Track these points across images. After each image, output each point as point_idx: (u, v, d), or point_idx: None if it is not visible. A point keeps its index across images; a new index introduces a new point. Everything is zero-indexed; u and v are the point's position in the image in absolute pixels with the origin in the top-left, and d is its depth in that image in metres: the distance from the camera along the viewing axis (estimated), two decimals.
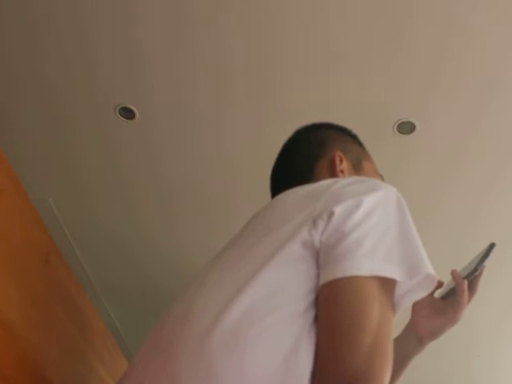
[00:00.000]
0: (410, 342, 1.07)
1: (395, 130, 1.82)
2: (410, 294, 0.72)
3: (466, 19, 1.50)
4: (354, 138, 1.09)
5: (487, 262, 1.01)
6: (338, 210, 0.69)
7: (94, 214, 2.32)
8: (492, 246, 1.01)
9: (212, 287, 0.72)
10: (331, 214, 0.69)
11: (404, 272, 0.66)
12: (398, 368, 1.07)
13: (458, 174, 1.95)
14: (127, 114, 1.87)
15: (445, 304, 1.02)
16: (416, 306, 1.07)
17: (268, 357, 0.61)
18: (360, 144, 1.09)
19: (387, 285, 0.66)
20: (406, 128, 1.82)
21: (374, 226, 0.69)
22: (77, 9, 1.57)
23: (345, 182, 0.77)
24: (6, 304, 0.78)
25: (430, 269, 0.68)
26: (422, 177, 1.98)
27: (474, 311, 2.42)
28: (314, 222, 0.70)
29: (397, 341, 1.10)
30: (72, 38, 1.65)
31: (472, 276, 1.01)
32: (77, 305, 1.15)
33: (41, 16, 1.60)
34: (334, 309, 0.63)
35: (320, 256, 0.68)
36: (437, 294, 1.06)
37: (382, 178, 1.07)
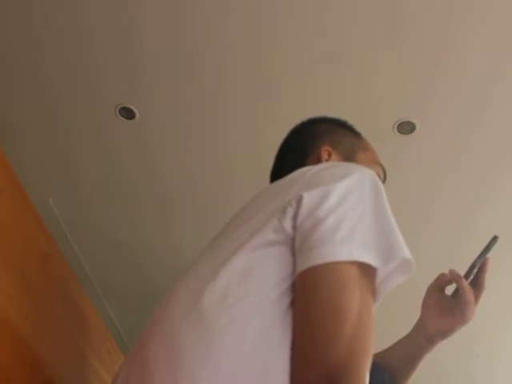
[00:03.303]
0: (420, 341, 1.04)
1: (395, 130, 1.82)
2: (389, 279, 0.70)
3: (466, 19, 1.50)
4: (349, 129, 1.07)
5: (491, 255, 0.98)
6: (308, 195, 0.68)
7: (93, 213, 2.32)
8: (495, 238, 0.99)
9: (188, 279, 0.72)
10: (300, 199, 0.68)
11: (381, 257, 0.65)
12: (410, 366, 1.06)
13: (457, 173, 1.95)
14: (127, 114, 1.87)
15: (453, 303, 1.00)
16: (426, 304, 1.05)
17: (237, 346, 0.60)
18: (356, 134, 1.07)
19: (367, 271, 0.64)
20: (406, 128, 1.82)
21: (350, 210, 0.67)
22: (77, 9, 1.57)
23: (319, 168, 0.77)
24: (5, 304, 0.78)
25: (406, 252, 0.67)
26: (421, 177, 1.98)
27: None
28: (284, 210, 0.69)
29: (407, 338, 1.08)
30: (72, 39, 1.65)
31: (472, 271, 0.98)
32: (77, 305, 1.15)
33: (41, 16, 1.60)
34: (313, 296, 0.62)
35: (296, 243, 0.67)
36: (448, 291, 1.04)
37: (382, 167, 1.05)
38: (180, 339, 0.63)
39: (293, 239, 0.68)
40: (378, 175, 0.99)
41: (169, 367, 0.61)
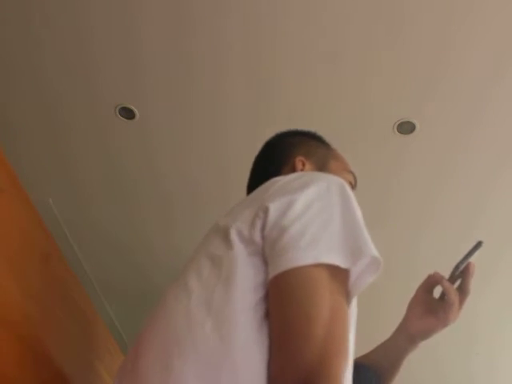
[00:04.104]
0: (403, 341, 1.06)
1: (395, 130, 1.82)
2: (361, 279, 0.70)
3: (466, 19, 1.50)
4: (320, 140, 1.11)
5: (475, 259, 0.98)
6: (274, 206, 0.70)
7: (93, 213, 2.32)
8: (479, 244, 0.98)
9: (176, 288, 0.74)
10: (266, 210, 0.70)
11: (348, 258, 0.66)
12: (392, 367, 1.08)
13: (457, 173, 1.95)
14: (127, 113, 1.87)
15: (438, 304, 1.01)
16: (412, 304, 1.07)
17: (221, 352, 0.62)
18: (327, 145, 1.12)
19: (336, 273, 0.65)
20: (406, 128, 1.82)
21: (316, 216, 0.69)
22: (77, 9, 1.57)
23: (287, 178, 0.79)
24: (6, 304, 0.78)
25: (373, 251, 0.68)
26: (421, 177, 1.98)
27: (473, 310, 2.42)
28: (253, 222, 0.71)
29: (390, 339, 1.10)
30: (72, 39, 1.65)
31: (455, 274, 0.99)
32: (77, 305, 1.15)
33: (41, 16, 1.60)
34: (283, 302, 0.63)
35: (265, 253, 0.69)
36: (436, 294, 1.05)
37: (353, 174, 1.08)
38: (169, 345, 0.65)
39: (263, 249, 0.69)
40: (350, 182, 1.03)
41: (157, 372, 0.63)
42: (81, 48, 1.68)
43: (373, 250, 0.68)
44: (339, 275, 0.66)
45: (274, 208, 0.70)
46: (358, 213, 0.73)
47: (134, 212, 2.29)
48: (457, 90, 1.68)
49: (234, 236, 0.72)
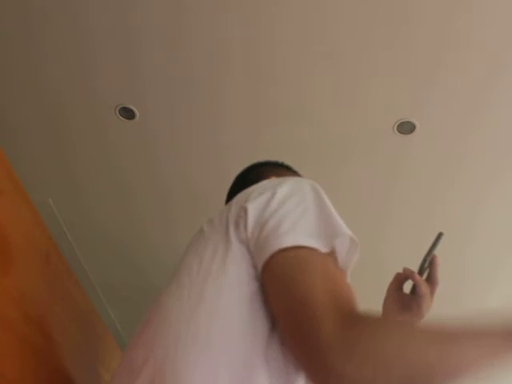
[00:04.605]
0: None
1: (395, 130, 1.82)
2: (347, 262, 0.73)
3: (465, 20, 1.50)
4: (287, 168, 1.17)
5: (437, 251, 1.04)
6: (252, 205, 0.74)
7: (93, 213, 2.33)
8: (440, 235, 1.05)
9: (171, 287, 0.77)
10: (246, 210, 0.74)
11: (325, 241, 0.68)
12: None
13: (457, 173, 1.95)
14: (127, 114, 1.88)
15: (411, 298, 1.05)
16: (386, 303, 1.09)
17: (219, 345, 0.64)
18: (294, 172, 1.18)
19: (318, 255, 0.66)
20: (406, 128, 1.82)
21: (293, 209, 0.72)
22: (76, 9, 1.57)
23: (261, 183, 0.83)
24: (6, 304, 0.78)
25: (347, 231, 0.70)
26: (421, 176, 1.98)
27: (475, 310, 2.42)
28: (236, 223, 0.75)
29: None
30: (72, 39, 1.66)
31: (423, 267, 1.05)
32: (77, 305, 1.15)
33: (40, 17, 1.60)
34: (276, 290, 0.64)
35: (252, 248, 0.72)
36: (406, 289, 1.09)
37: None
38: (167, 342, 0.66)
39: (249, 247, 0.73)
40: None
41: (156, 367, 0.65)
42: (81, 48, 1.68)
43: (346, 230, 0.70)
44: (321, 257, 0.67)
45: (252, 208, 0.74)
46: (330, 204, 0.76)
47: (134, 212, 2.29)
48: (457, 90, 1.68)
49: (222, 235, 0.75)
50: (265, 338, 0.65)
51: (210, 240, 0.77)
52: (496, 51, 1.56)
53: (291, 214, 0.71)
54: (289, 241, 0.66)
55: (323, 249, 0.67)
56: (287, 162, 1.16)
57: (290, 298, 0.62)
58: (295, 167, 1.16)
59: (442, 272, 1.07)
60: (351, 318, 0.58)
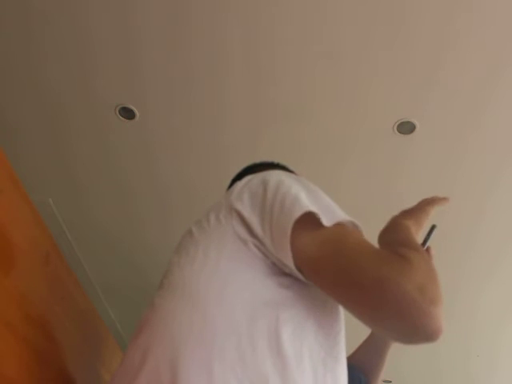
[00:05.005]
0: (380, 337, 1.12)
1: (395, 130, 1.82)
2: None
3: (465, 20, 1.50)
4: (283, 168, 1.18)
5: (431, 244, 1.04)
6: (245, 208, 0.76)
7: (93, 213, 2.33)
8: (433, 227, 1.03)
9: (170, 285, 0.79)
10: (240, 214, 0.76)
11: (326, 216, 0.71)
12: (379, 362, 1.14)
13: (457, 173, 1.95)
14: (127, 114, 1.87)
15: None
16: None
17: (226, 332, 0.66)
18: (291, 171, 1.18)
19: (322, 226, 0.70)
20: (406, 128, 1.82)
21: (287, 191, 0.75)
22: (76, 9, 1.57)
23: (245, 180, 0.85)
24: (6, 304, 0.78)
25: (345, 215, 0.75)
26: (421, 176, 1.98)
27: (474, 311, 2.43)
28: (232, 225, 0.76)
29: (370, 337, 1.18)
30: (72, 39, 1.65)
31: None
32: (77, 305, 1.15)
33: (40, 17, 1.60)
34: (322, 266, 0.68)
35: (269, 247, 0.72)
36: None
37: None
38: (164, 342, 0.68)
39: (263, 243, 0.74)
40: None
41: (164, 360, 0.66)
42: (81, 48, 1.68)
43: (345, 215, 0.75)
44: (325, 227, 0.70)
45: (247, 210, 0.75)
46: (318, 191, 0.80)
47: (134, 212, 2.29)
48: (457, 90, 1.68)
49: (213, 236, 0.77)
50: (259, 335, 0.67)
51: (200, 241, 0.79)
52: (496, 51, 1.56)
53: (289, 194, 0.74)
54: (296, 211, 0.69)
55: (324, 222, 0.70)
56: (287, 161, 1.16)
57: (336, 269, 0.66)
58: (295, 167, 1.16)
59: (438, 265, 1.07)
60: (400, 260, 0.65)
